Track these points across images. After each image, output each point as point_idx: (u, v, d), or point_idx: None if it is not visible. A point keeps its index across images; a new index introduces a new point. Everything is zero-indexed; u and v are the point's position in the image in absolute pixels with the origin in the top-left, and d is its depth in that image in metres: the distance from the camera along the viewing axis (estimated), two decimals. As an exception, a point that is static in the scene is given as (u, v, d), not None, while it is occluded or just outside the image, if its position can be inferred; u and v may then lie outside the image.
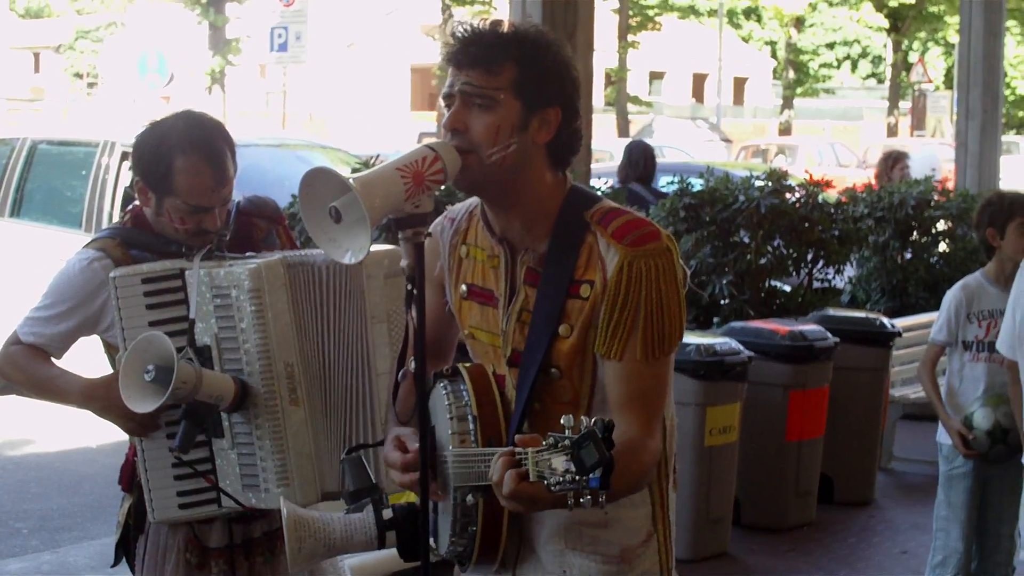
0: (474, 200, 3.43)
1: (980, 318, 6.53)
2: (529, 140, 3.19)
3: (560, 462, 2.71)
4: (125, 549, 4.36)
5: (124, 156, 11.74)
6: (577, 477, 2.67)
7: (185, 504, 4.09)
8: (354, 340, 4.06)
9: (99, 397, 4.11)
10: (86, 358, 4.48)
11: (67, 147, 12.47)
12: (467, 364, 3.37)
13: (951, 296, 6.64)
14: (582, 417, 2.72)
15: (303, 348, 4.03)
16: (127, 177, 11.73)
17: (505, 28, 3.22)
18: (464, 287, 3.38)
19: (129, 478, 4.30)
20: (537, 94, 3.18)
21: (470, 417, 3.21)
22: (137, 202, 4.32)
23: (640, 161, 11.97)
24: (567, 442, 2.70)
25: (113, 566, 4.46)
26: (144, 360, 3.80)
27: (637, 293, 3.13)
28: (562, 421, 2.73)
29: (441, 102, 3.27)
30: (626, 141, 37.49)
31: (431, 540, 3.40)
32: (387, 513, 3.40)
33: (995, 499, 6.50)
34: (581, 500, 2.70)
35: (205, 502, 4.07)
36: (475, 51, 3.17)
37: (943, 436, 6.57)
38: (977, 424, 6.35)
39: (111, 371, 4.21)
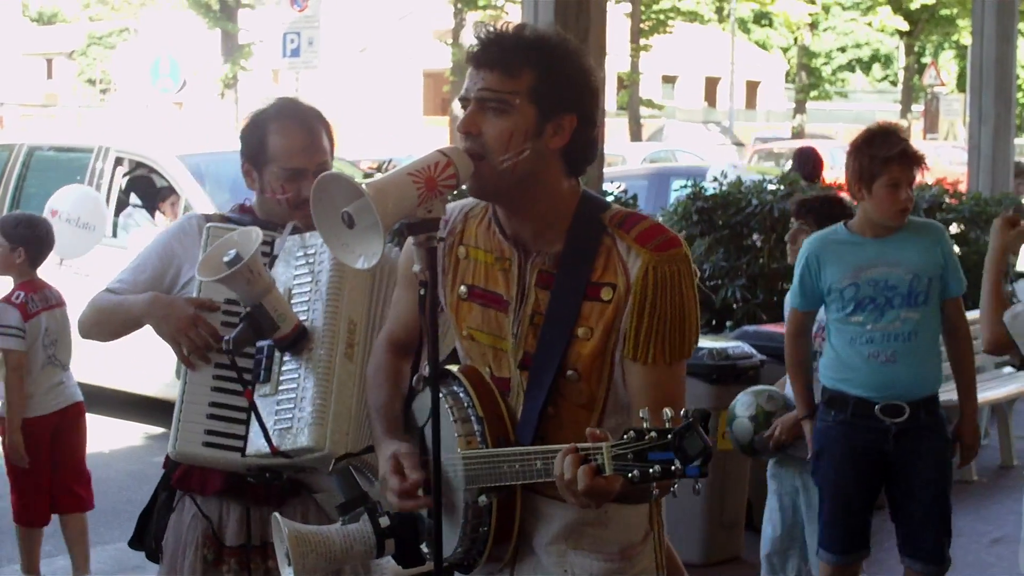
0: (468, 201, 3.45)
1: None
2: (543, 146, 3.19)
3: (645, 455, 2.71)
4: (145, 524, 4.44)
5: (118, 161, 11.90)
6: (674, 467, 2.68)
7: (209, 443, 4.11)
8: None
9: (160, 305, 4.19)
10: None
11: (63, 152, 12.80)
12: (456, 366, 3.38)
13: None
14: (665, 410, 2.73)
15: (372, 316, 4.13)
16: (121, 182, 11.87)
17: (528, 33, 3.23)
18: (464, 288, 3.38)
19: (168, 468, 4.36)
20: (553, 101, 3.19)
21: (474, 418, 3.21)
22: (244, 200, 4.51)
23: (809, 164, 13.83)
24: (654, 434, 2.71)
25: (129, 543, 4.53)
26: (231, 246, 3.92)
27: (664, 297, 3.15)
28: (640, 415, 2.73)
29: (455, 106, 3.31)
30: (638, 145, 37.52)
31: (424, 548, 3.40)
32: (384, 521, 3.41)
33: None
34: (672, 488, 2.74)
35: (229, 447, 4.09)
36: (496, 52, 3.18)
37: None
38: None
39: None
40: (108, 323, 4.40)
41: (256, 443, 4.01)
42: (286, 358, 4.03)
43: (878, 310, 5.84)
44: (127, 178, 12.13)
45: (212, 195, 11.42)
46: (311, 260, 4.11)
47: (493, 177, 3.18)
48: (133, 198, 12.12)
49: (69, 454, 7.56)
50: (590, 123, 3.28)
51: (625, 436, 2.74)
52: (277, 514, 3.53)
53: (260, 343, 4.04)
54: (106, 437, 11.29)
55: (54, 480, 7.46)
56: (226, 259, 3.88)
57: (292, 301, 4.07)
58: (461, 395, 3.25)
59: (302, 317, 4.04)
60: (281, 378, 4.03)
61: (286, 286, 4.10)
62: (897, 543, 6.06)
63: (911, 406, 5.82)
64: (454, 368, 3.34)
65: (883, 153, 5.82)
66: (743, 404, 6.70)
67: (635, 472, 2.72)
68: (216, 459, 4.13)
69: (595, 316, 3.20)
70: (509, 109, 3.16)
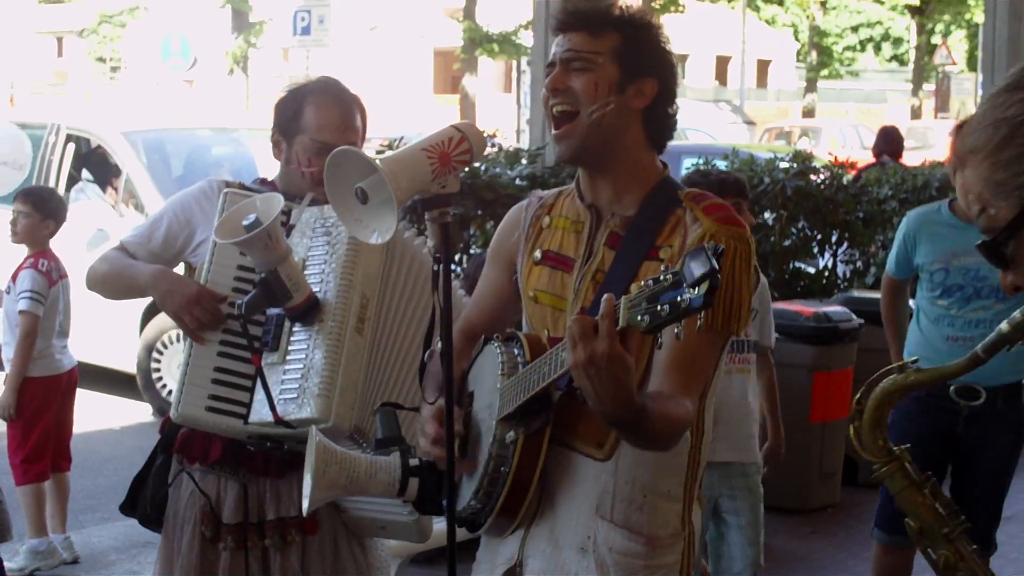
0: (568, 186, 3.50)
1: None
2: (625, 104, 3.27)
3: (657, 297, 2.61)
4: (140, 487, 4.47)
5: (68, 138, 12.24)
6: (680, 298, 2.56)
7: (212, 408, 4.11)
8: (424, 317, 4.12)
9: (166, 280, 4.22)
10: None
11: (21, 129, 13.05)
12: (522, 332, 3.38)
13: None
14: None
15: (385, 294, 4.13)
16: (71, 157, 12.15)
17: (613, 4, 3.33)
18: (539, 252, 3.44)
19: (168, 421, 4.36)
20: (636, 63, 3.28)
21: (520, 364, 3.19)
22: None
23: (893, 140, 15.66)
24: (670, 276, 2.60)
25: (120, 507, 4.55)
26: (251, 211, 3.92)
27: None
28: (662, 268, 2.68)
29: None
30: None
31: (446, 503, 3.41)
32: (413, 461, 3.42)
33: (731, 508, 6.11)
34: (676, 330, 2.63)
35: (232, 413, 4.09)
36: (583, 15, 3.30)
37: None
38: None
39: None
40: (115, 284, 4.44)
41: (260, 411, 4.01)
42: (295, 328, 4.03)
43: (965, 299, 5.81)
44: (84, 154, 12.36)
45: (161, 171, 11.86)
46: (330, 232, 4.11)
47: (580, 131, 3.26)
48: (85, 173, 12.33)
49: (67, 415, 7.85)
50: (670, 93, 3.36)
51: (643, 284, 2.68)
52: (314, 426, 3.54)
53: (269, 311, 4.04)
54: (116, 414, 11.33)
55: (58, 438, 7.74)
56: (245, 223, 3.87)
57: (306, 272, 4.06)
58: (515, 351, 3.25)
59: (315, 288, 4.03)
60: (289, 348, 4.03)
61: (301, 257, 4.10)
62: None
63: (988, 392, 5.81)
64: (520, 332, 3.34)
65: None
66: None
67: (644, 317, 2.64)
68: (218, 424, 4.13)
69: (649, 274, 3.19)
70: (592, 67, 3.26)
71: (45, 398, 7.58)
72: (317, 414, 3.91)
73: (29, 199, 7.80)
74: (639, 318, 2.65)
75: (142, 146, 12.04)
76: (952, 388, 5.78)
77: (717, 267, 2.53)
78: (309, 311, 4.00)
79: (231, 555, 4.26)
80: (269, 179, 4.49)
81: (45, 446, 7.58)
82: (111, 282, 4.43)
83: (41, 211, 7.71)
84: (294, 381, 3.98)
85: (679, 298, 2.56)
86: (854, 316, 8.44)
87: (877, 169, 12.15)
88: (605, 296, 2.78)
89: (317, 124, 4.26)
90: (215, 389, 4.12)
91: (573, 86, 3.26)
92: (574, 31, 3.30)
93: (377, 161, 3.01)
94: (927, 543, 2.63)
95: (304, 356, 4.00)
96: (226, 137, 13.38)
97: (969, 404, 5.81)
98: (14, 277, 7.60)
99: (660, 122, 3.36)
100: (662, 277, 2.63)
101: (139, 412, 11.42)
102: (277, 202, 3.94)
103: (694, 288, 2.53)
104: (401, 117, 38.31)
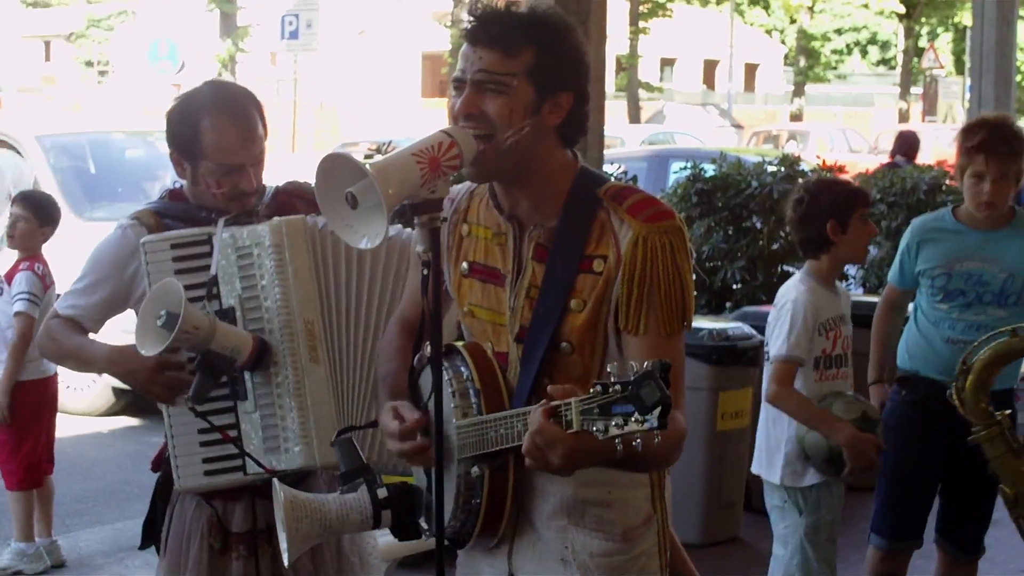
0: (475, 186, 3.45)
1: (827, 329, 5.64)
2: (541, 123, 3.20)
3: (609, 408, 2.70)
4: (151, 530, 4.38)
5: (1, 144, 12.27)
6: (634, 418, 2.66)
7: (211, 471, 4.08)
8: (378, 309, 4.08)
9: (122, 362, 4.11)
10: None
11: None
12: (462, 343, 3.39)
13: (803, 303, 5.56)
14: (631, 363, 2.72)
15: (326, 307, 4.03)
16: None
17: (526, 10, 3.21)
18: (465, 265, 3.40)
19: (159, 459, 4.32)
20: (552, 80, 3.19)
21: (472, 391, 3.22)
22: (173, 183, 4.40)
23: (909, 143, 17.05)
24: (618, 387, 2.69)
25: (140, 547, 4.48)
26: (159, 306, 3.79)
27: (655, 267, 3.15)
28: (609, 369, 2.74)
29: (452, 86, 3.28)
30: (637, 127, 37.45)
31: (423, 522, 3.41)
32: (381, 492, 3.42)
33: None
34: (634, 443, 2.69)
35: (230, 469, 4.06)
36: (496, 30, 3.17)
37: (806, 476, 5.71)
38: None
39: None
40: (71, 364, 4.38)
41: (253, 464, 4.00)
42: (256, 374, 3.97)
43: (966, 304, 5.76)
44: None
45: (70, 174, 12.10)
46: (249, 262, 4.00)
47: (497, 157, 3.18)
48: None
49: (51, 419, 7.82)
50: (584, 99, 3.29)
51: (592, 391, 2.74)
52: (276, 480, 3.53)
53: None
54: (104, 418, 11.31)
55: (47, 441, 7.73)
56: (159, 323, 3.76)
57: (246, 310, 3.98)
58: (462, 369, 3.26)
59: (258, 328, 3.96)
60: (256, 392, 3.99)
61: (237, 295, 4.00)
62: (936, 523, 6.05)
63: None
64: (459, 344, 3.35)
65: (967, 143, 5.68)
66: (841, 408, 5.58)
67: (599, 426, 2.72)
68: (221, 484, 4.11)
69: (588, 288, 3.21)
70: (507, 90, 3.16)
71: (38, 401, 7.57)
72: (303, 463, 3.92)
73: (28, 204, 7.79)
74: (594, 428, 2.73)
75: (53, 149, 12.22)
76: (948, 391, 5.78)
77: (667, 389, 2.65)
78: (261, 358, 3.94)
79: (243, 564, 4.21)
80: (178, 187, 4.33)
81: (41, 451, 7.58)
82: (66, 362, 4.38)
83: (40, 217, 7.71)
84: (272, 428, 3.97)
85: (633, 418, 2.67)
86: (842, 319, 8.43)
87: (886, 170, 12.24)
88: (551, 388, 2.86)
89: (218, 147, 4.08)
90: (206, 452, 4.08)
91: (486, 110, 3.16)
92: (485, 47, 3.16)
93: (367, 166, 3.01)
94: (1021, 511, 2.63)
95: (271, 402, 3.97)
96: (140, 140, 13.45)
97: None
98: (8, 279, 7.60)
99: (573, 126, 3.28)
100: (611, 388, 2.71)
101: (126, 416, 11.40)
102: (175, 288, 3.80)
103: (651, 410, 2.65)
104: (389, 121, 38.31)
